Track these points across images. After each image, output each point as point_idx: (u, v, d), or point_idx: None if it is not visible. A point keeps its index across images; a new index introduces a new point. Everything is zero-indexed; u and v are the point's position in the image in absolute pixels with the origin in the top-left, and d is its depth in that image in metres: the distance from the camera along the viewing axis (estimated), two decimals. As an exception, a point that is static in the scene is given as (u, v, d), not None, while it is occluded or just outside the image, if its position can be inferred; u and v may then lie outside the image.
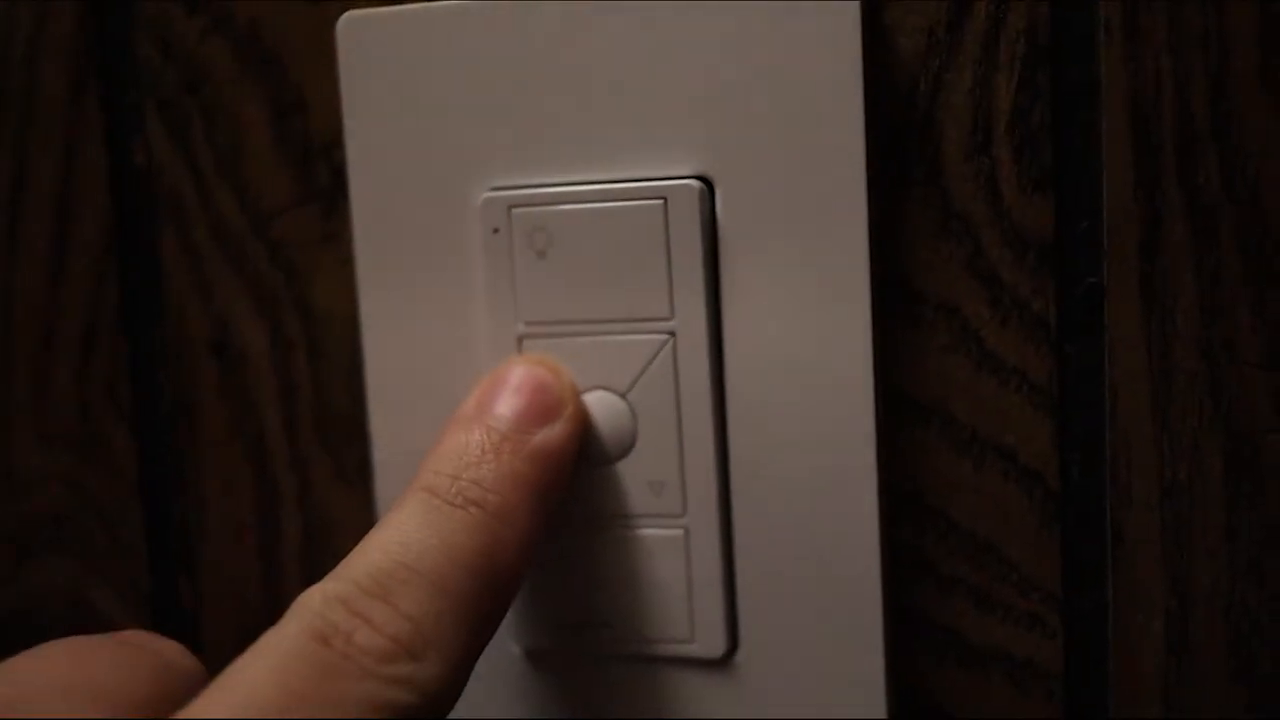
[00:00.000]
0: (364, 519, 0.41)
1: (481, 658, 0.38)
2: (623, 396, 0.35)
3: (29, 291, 0.43)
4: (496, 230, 0.36)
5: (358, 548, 0.30)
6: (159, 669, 0.28)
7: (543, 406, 0.33)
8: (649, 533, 0.36)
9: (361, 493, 0.40)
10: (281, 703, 0.25)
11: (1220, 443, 0.33)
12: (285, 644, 0.26)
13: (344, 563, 0.29)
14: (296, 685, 0.25)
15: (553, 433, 0.33)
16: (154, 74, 0.41)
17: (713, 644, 0.36)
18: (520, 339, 0.36)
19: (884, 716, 0.35)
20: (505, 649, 0.38)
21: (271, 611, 0.42)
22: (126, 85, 0.41)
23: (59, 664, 0.27)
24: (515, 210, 0.35)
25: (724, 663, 0.36)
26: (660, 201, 0.34)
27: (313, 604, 0.27)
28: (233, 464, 0.42)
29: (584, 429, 0.35)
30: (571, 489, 0.36)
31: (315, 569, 0.41)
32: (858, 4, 0.32)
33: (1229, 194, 0.32)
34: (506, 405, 0.33)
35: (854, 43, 0.33)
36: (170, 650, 0.29)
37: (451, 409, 0.36)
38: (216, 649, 0.43)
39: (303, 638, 0.26)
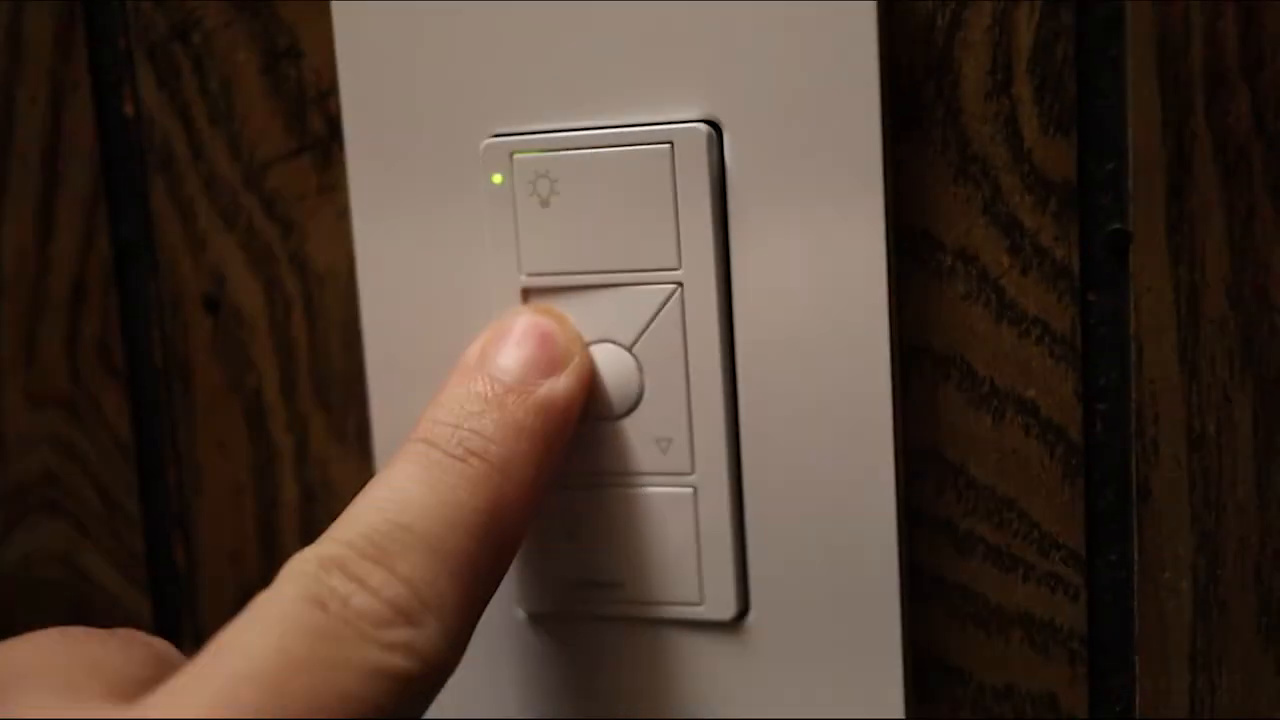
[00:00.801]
0: (362, 479, 0.39)
1: (483, 622, 0.37)
2: (629, 349, 0.34)
3: (17, 247, 0.42)
4: (498, 178, 0.34)
5: (353, 504, 0.29)
6: (151, 657, 0.27)
7: (548, 358, 0.32)
8: (656, 491, 0.35)
9: (360, 453, 0.39)
10: (279, 667, 0.24)
11: (1250, 393, 0.32)
12: (281, 608, 0.25)
13: (339, 521, 0.28)
14: (294, 649, 0.24)
15: (558, 385, 0.32)
16: (143, 21, 0.40)
17: (722, 606, 0.35)
18: (524, 290, 0.35)
19: (900, 680, 0.34)
20: (508, 613, 0.37)
21: (268, 574, 0.41)
22: (115, 32, 0.40)
23: (55, 646, 0.26)
24: (518, 157, 0.34)
25: (734, 625, 0.35)
26: (667, 146, 0.33)
27: (307, 567, 0.26)
28: (228, 424, 0.41)
29: (590, 382, 0.34)
30: (575, 445, 0.34)
31: (313, 530, 0.40)
32: (873, -64, 0.31)
33: (1260, 133, 0.31)
34: (510, 356, 0.32)
35: (869, -22, 0.31)
36: (160, 643, 0.28)
37: (452, 365, 0.35)
38: (212, 611, 0.42)
39: (299, 602, 0.25)
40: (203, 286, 0.40)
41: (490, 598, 0.29)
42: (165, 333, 0.41)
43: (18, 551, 0.44)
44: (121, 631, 0.28)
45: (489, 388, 0.31)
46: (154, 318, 0.41)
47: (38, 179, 0.41)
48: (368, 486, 0.29)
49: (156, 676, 0.26)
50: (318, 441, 0.40)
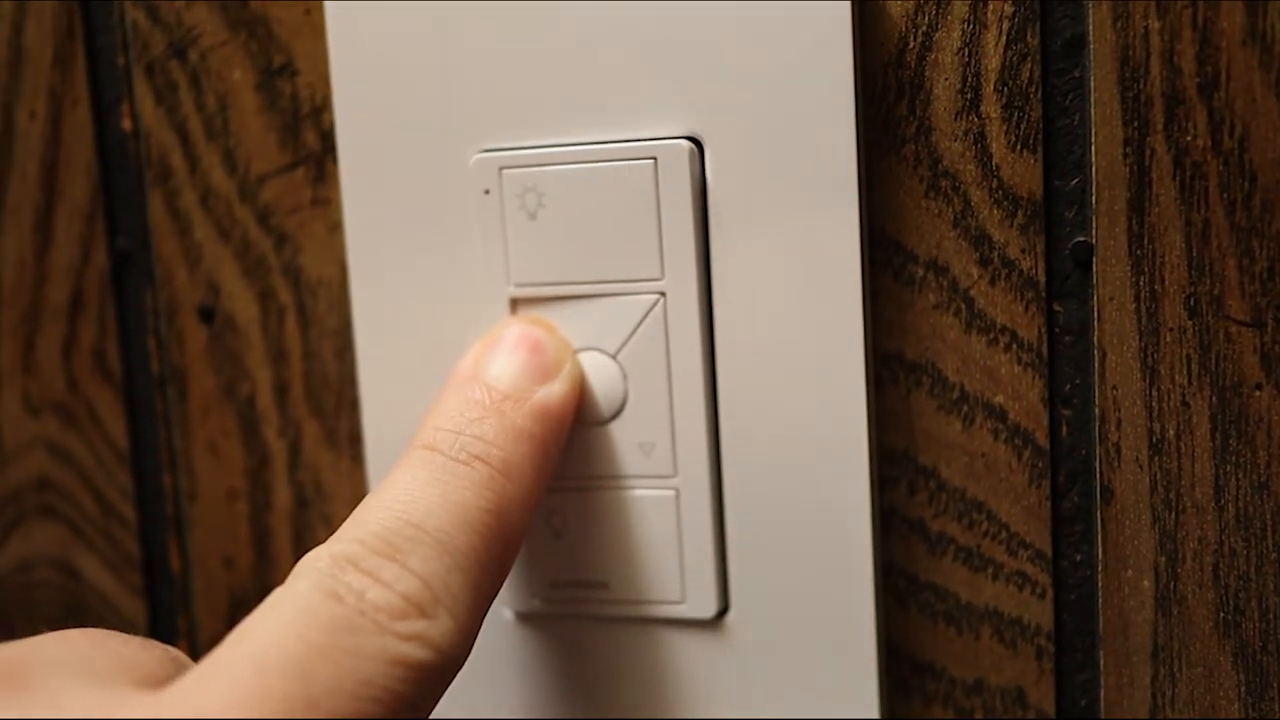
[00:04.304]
0: (354, 485, 0.41)
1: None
2: (613, 357, 0.35)
3: (16, 257, 0.43)
4: (487, 192, 0.36)
5: (360, 507, 0.30)
6: (169, 658, 0.28)
7: (541, 365, 0.33)
8: (639, 494, 0.36)
9: (352, 458, 0.40)
10: (300, 653, 0.24)
11: (1208, 399, 0.33)
12: (298, 602, 0.26)
13: (349, 522, 0.29)
14: (314, 637, 0.25)
15: (552, 390, 0.33)
16: (141, 38, 0.41)
17: (704, 605, 0.36)
18: (512, 300, 0.36)
19: (875, 675, 0.35)
20: (494, 612, 0.38)
21: (262, 578, 0.42)
22: (113, 50, 0.41)
23: (82, 640, 0.26)
24: (506, 171, 0.35)
25: (715, 623, 0.36)
26: (650, 161, 0.34)
27: (320, 564, 0.27)
28: (222, 431, 0.42)
29: (581, 387, 0.35)
30: (563, 450, 0.36)
31: (305, 535, 0.41)
32: (848, -38, 0.33)
33: (1216, 151, 0.32)
34: (505, 364, 0.33)
35: (844, 2, 0.33)
36: (174, 650, 0.29)
37: (442, 373, 0.36)
38: (206, 616, 0.43)
39: (315, 594, 0.26)
40: (198, 296, 0.41)
41: (495, 595, 0.30)
42: (161, 341, 0.42)
43: (14, 556, 0.45)
44: (139, 637, 0.29)
45: (487, 395, 0.32)
46: (150, 327, 0.42)
47: (37, 192, 0.43)
48: (374, 490, 0.30)
49: (177, 675, 0.27)
50: (310, 447, 0.41)
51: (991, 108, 0.34)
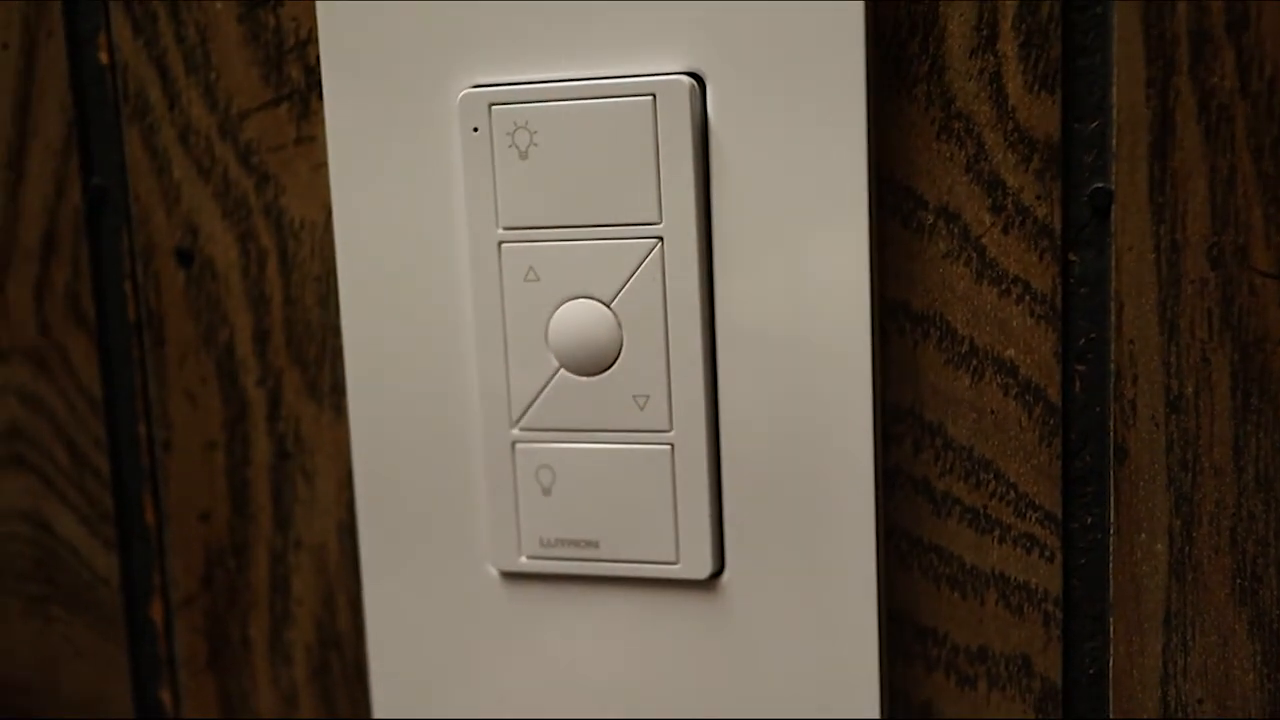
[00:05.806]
0: (336, 437, 0.39)
1: (454, 580, 0.36)
2: (607, 305, 0.34)
3: (-13, 197, 0.42)
4: (476, 129, 0.34)
5: None
6: None
7: None
8: (633, 448, 0.34)
9: (334, 410, 0.39)
10: None
11: (1229, 355, 0.31)
12: None
13: None
14: None
15: None
16: (119, -32, 0.39)
17: (698, 565, 0.35)
18: (500, 244, 0.34)
19: (875, 641, 0.34)
20: (478, 570, 0.36)
21: (239, 533, 0.40)
22: (90, -21, 0.40)
23: None
24: (496, 108, 0.34)
25: (709, 585, 0.35)
26: (649, 98, 0.33)
27: None
28: (199, 379, 0.40)
29: None
30: (553, 402, 0.34)
31: (285, 489, 0.40)
32: (860, -113, 0.31)
33: (1244, 93, 0.30)
34: None
35: (855, -70, 0.31)
36: None
37: (428, 319, 0.35)
38: (181, 572, 0.42)
39: None
40: (176, 238, 0.40)
41: None
42: (137, 285, 0.40)
43: (-17, 507, 0.44)
44: None
45: None
46: (126, 270, 0.41)
47: (9, 127, 0.41)
48: None
49: None
50: (291, 398, 0.39)
51: (1008, 45, 0.32)
